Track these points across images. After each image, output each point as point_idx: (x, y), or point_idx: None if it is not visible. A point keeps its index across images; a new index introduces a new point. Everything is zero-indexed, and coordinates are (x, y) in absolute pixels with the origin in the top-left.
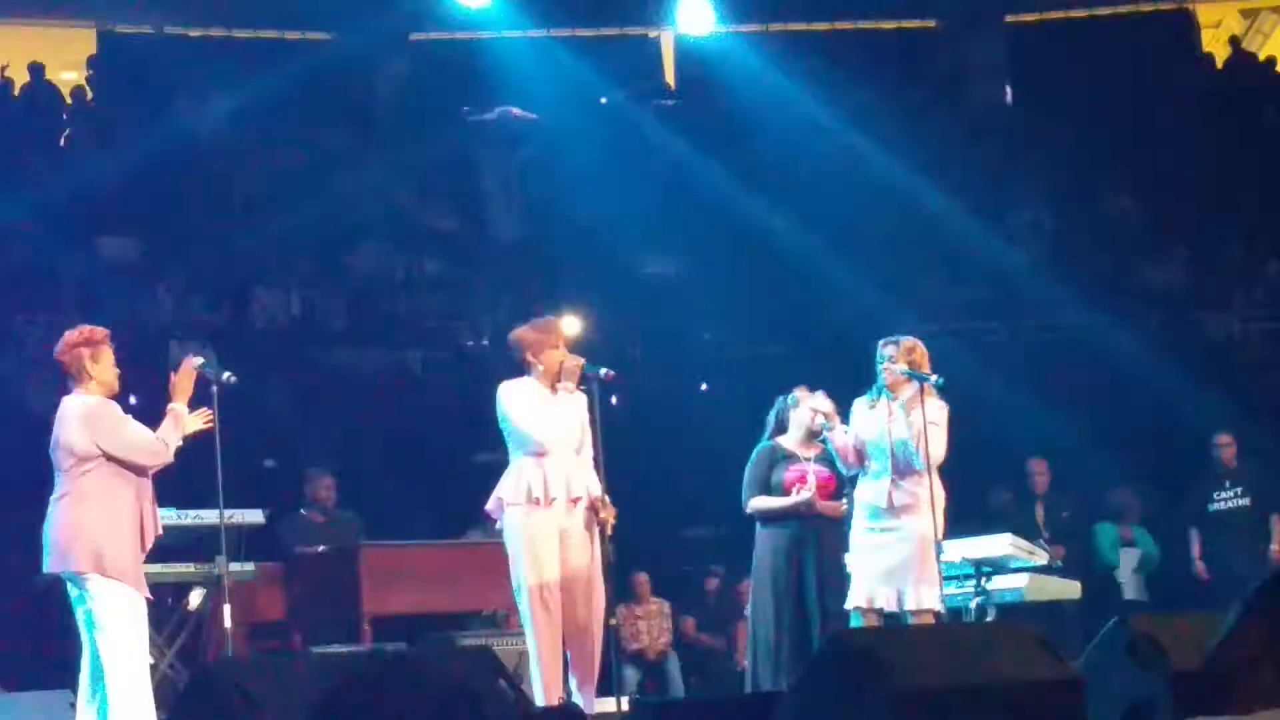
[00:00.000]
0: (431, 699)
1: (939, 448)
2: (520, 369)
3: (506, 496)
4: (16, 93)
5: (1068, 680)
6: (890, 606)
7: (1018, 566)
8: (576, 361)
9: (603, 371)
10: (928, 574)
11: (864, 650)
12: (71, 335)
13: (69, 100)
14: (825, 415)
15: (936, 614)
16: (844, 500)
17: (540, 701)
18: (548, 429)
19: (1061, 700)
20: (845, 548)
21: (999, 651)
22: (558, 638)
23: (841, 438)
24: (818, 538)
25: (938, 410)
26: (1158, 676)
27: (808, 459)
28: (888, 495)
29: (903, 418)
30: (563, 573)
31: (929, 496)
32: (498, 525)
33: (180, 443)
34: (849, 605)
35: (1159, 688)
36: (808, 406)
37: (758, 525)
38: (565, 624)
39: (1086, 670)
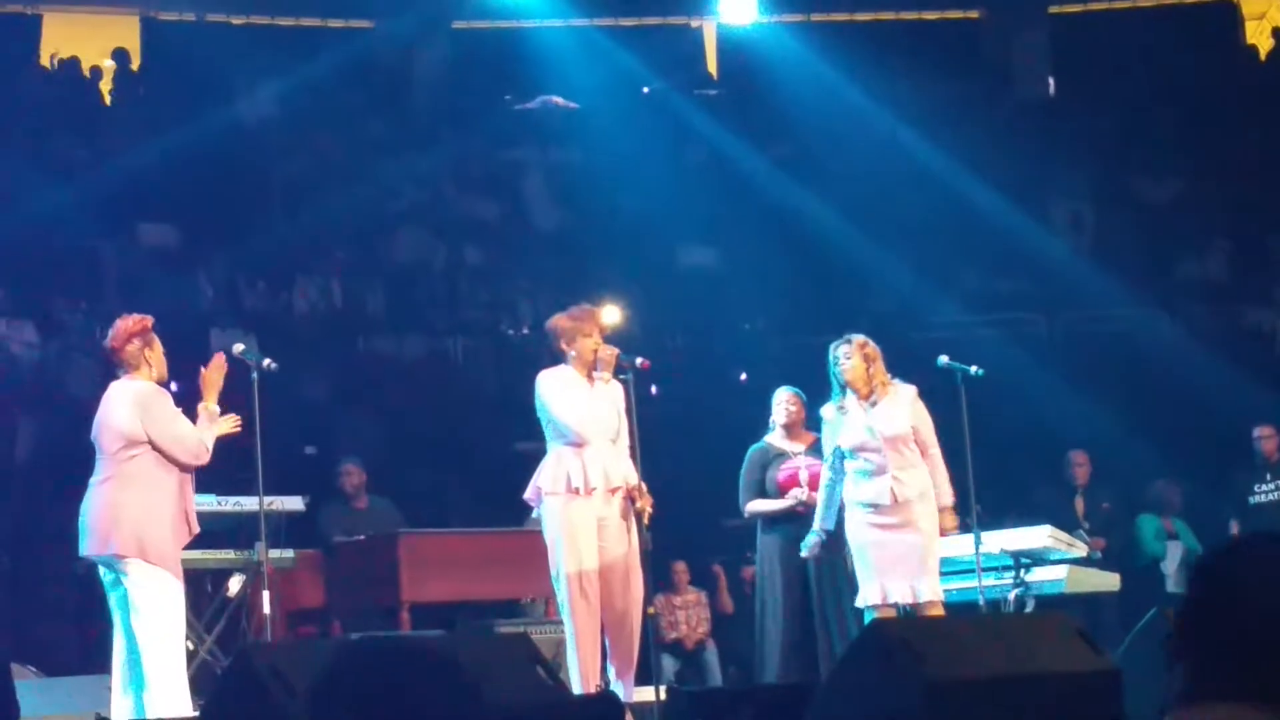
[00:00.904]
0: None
1: (932, 431)
2: (557, 358)
3: (545, 485)
4: (62, 80)
5: (1106, 672)
6: (905, 600)
7: (1057, 558)
8: (612, 351)
9: (638, 361)
10: (933, 566)
11: (901, 640)
12: (127, 324)
13: (111, 87)
14: (802, 500)
15: (970, 605)
16: None
17: (578, 689)
18: (586, 419)
19: (1100, 691)
20: (843, 539)
21: (1037, 642)
22: (596, 626)
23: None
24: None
25: (913, 396)
26: None
27: (798, 453)
28: (890, 491)
29: (884, 410)
30: (601, 561)
31: (929, 487)
32: (534, 514)
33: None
34: (861, 603)
35: None
36: (779, 404)
37: (758, 527)
38: (604, 612)
39: (1125, 662)
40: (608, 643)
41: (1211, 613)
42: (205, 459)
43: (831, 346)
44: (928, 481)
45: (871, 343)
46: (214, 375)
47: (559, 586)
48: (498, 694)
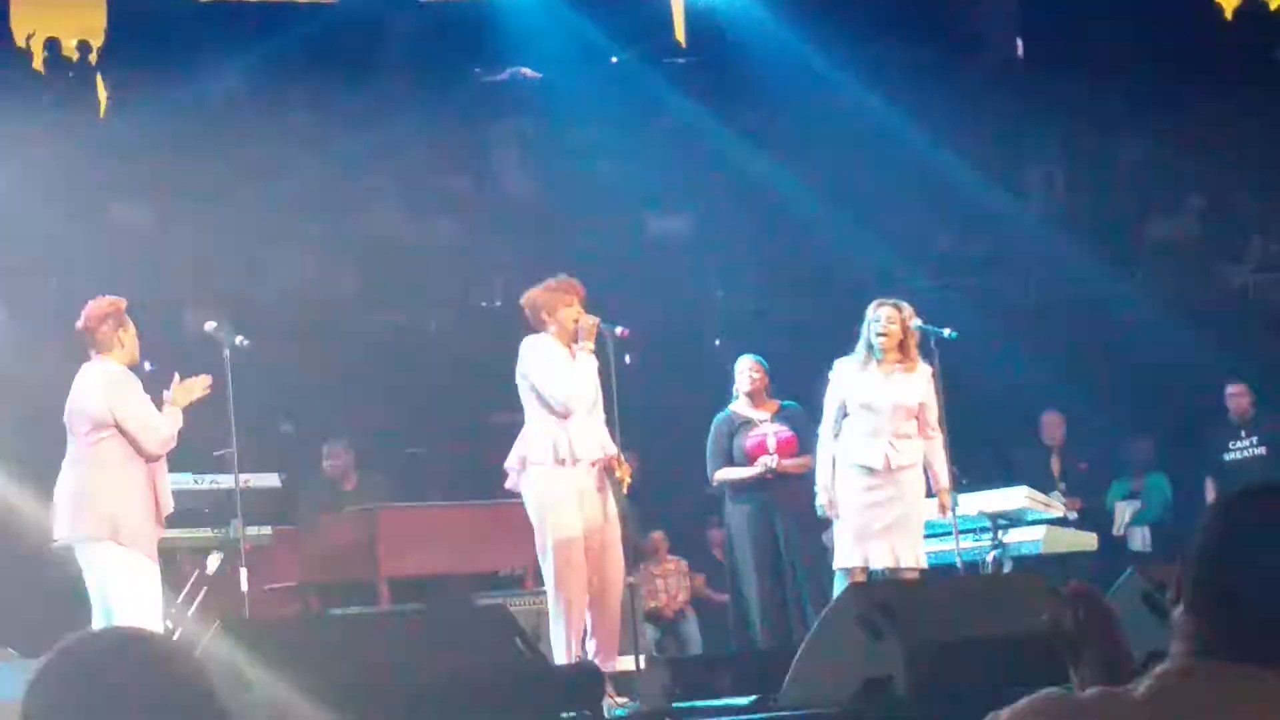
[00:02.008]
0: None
1: (938, 414)
2: (529, 331)
3: (532, 456)
4: (37, 63)
5: None
6: (883, 564)
7: (1034, 519)
8: (593, 320)
9: (618, 329)
10: (918, 534)
11: (880, 603)
12: (100, 305)
13: (79, 65)
14: (770, 468)
15: (948, 567)
16: (809, 456)
17: (561, 660)
18: (572, 390)
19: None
20: (813, 502)
21: (1013, 602)
22: (584, 596)
23: (818, 454)
24: (785, 499)
25: (930, 375)
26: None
27: (764, 420)
28: (884, 456)
29: (900, 379)
30: (594, 531)
31: (920, 456)
32: (508, 484)
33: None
34: (841, 565)
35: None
36: (742, 373)
37: (726, 495)
38: (593, 604)
39: None
40: (590, 619)
41: (1230, 565)
42: (170, 447)
43: (873, 304)
44: (920, 455)
45: (916, 316)
46: (194, 392)
47: (546, 557)
48: (477, 665)
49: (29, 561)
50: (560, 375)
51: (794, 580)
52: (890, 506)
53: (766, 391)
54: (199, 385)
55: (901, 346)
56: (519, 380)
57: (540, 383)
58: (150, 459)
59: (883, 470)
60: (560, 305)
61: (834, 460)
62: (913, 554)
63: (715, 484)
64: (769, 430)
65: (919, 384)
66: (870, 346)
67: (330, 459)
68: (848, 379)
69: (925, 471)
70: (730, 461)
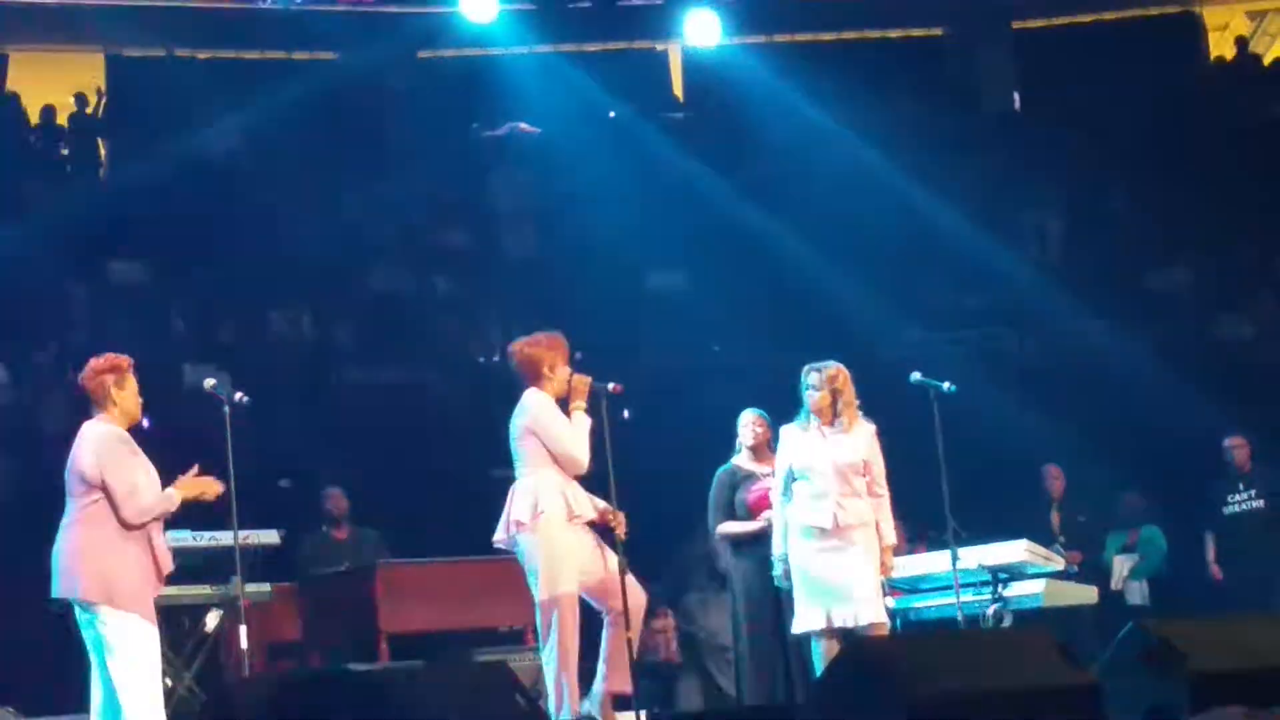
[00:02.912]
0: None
1: (883, 473)
2: (523, 385)
3: (545, 509)
4: (33, 120)
5: (1086, 686)
6: (848, 624)
7: (1034, 572)
8: (585, 380)
9: (610, 386)
10: (873, 592)
11: (881, 658)
12: (97, 362)
13: (79, 125)
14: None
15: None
16: None
17: (567, 714)
18: (586, 447)
19: (1081, 706)
20: None
21: (1017, 658)
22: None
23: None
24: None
25: (873, 434)
26: (1176, 680)
27: (766, 474)
28: (832, 516)
29: (838, 439)
30: (595, 580)
31: (871, 515)
32: (507, 534)
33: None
34: (802, 629)
35: (1177, 691)
36: (745, 426)
37: (729, 549)
38: (613, 627)
39: (1104, 676)
40: (613, 640)
41: None
42: (145, 520)
43: (805, 369)
44: (869, 513)
45: (844, 373)
46: (203, 491)
47: (552, 611)
48: None
49: (29, 620)
50: (574, 432)
51: (794, 636)
52: (842, 567)
53: (769, 445)
54: (210, 488)
55: (833, 407)
56: (523, 434)
57: (558, 438)
58: (126, 526)
59: (831, 530)
60: (560, 361)
61: (785, 526)
62: (872, 611)
63: (717, 538)
64: (771, 484)
65: (859, 443)
66: (805, 409)
67: (328, 501)
68: (792, 444)
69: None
70: (732, 515)
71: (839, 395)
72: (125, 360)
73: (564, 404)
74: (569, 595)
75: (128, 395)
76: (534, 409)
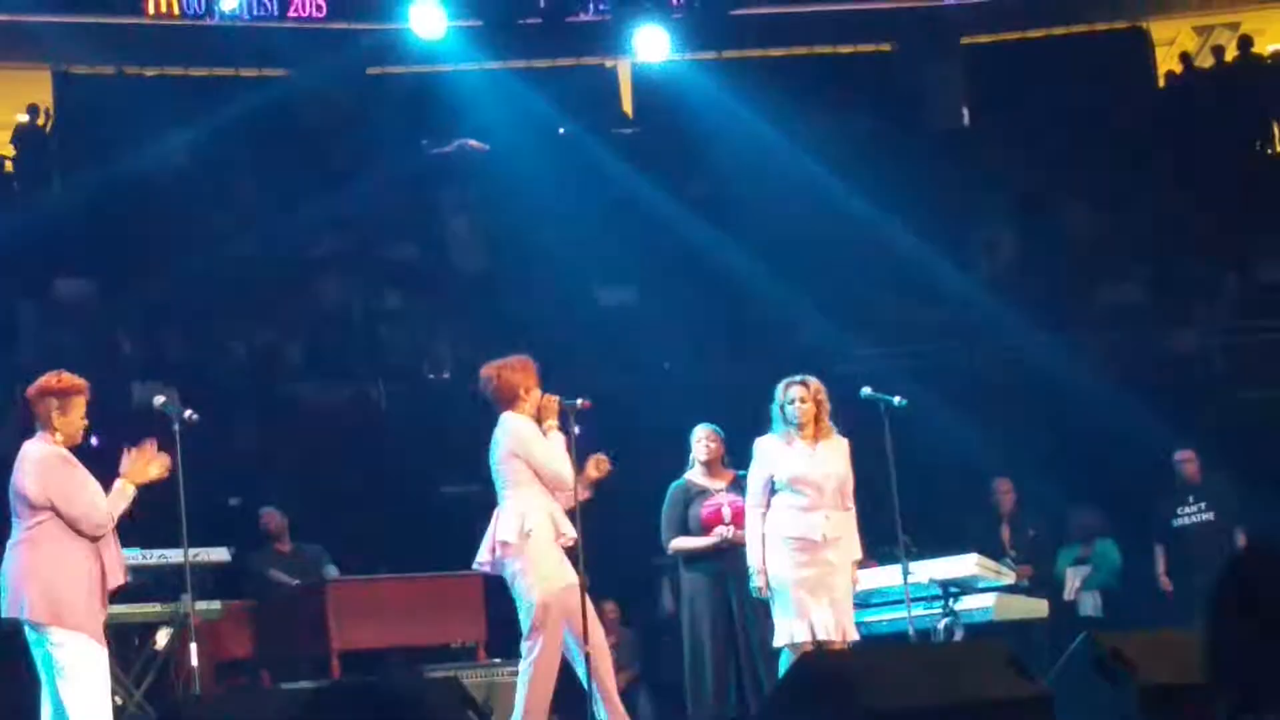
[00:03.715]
0: None
1: (852, 487)
2: (499, 406)
3: (535, 530)
4: None
5: (1038, 698)
6: (832, 637)
7: (985, 586)
8: (554, 399)
9: (579, 402)
10: (851, 604)
11: (834, 672)
12: (48, 380)
13: (25, 141)
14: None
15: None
16: None
17: None
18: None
19: (1033, 717)
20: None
21: (970, 671)
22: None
23: (748, 533)
24: (740, 569)
25: (848, 448)
26: (1126, 691)
27: (719, 490)
28: (821, 531)
29: (825, 453)
30: (573, 602)
31: (850, 534)
32: (492, 557)
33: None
34: (786, 642)
35: (1128, 703)
36: (699, 442)
37: (680, 564)
38: (593, 649)
39: (1056, 686)
40: (598, 685)
41: (1256, 624)
42: (106, 531)
43: (783, 383)
44: (851, 527)
45: (822, 388)
46: (149, 472)
47: (539, 630)
48: None
49: None
50: (557, 452)
51: (748, 650)
52: (827, 581)
53: (722, 461)
54: (156, 465)
55: (816, 420)
56: (506, 457)
57: (544, 460)
58: (91, 540)
59: (820, 543)
60: (533, 384)
61: (763, 538)
62: (850, 626)
63: (670, 552)
64: (724, 500)
65: (841, 457)
66: (789, 424)
67: (264, 520)
68: (774, 455)
69: None
70: (685, 530)
71: (821, 408)
72: (78, 383)
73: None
74: (556, 618)
75: (70, 420)
76: (516, 432)
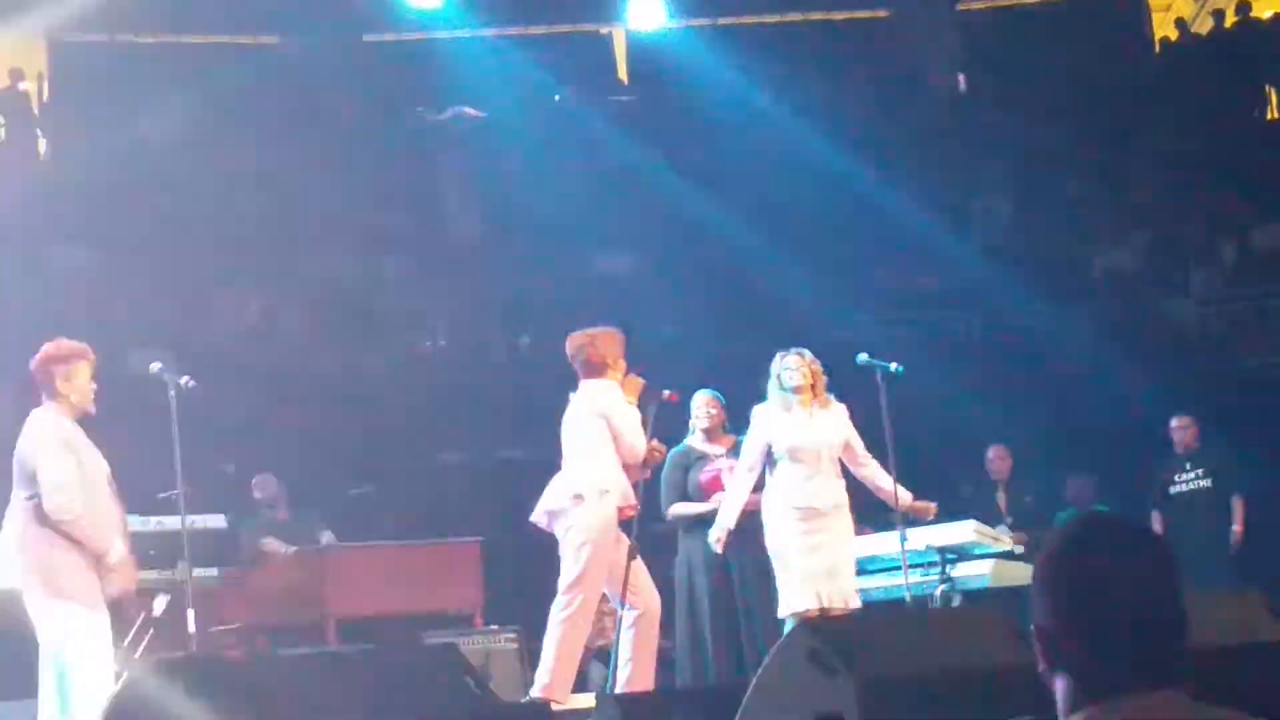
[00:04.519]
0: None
1: (862, 443)
2: (590, 374)
3: (612, 490)
4: None
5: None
6: (834, 604)
7: (982, 553)
8: (640, 380)
9: (665, 392)
10: (853, 571)
11: (832, 638)
12: (48, 349)
13: (17, 107)
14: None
15: (897, 602)
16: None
17: (565, 693)
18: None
19: (1032, 684)
20: (762, 542)
21: (968, 637)
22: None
23: (729, 491)
24: (740, 535)
25: (845, 413)
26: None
27: (719, 455)
28: (824, 498)
29: (823, 420)
30: (641, 570)
31: (845, 499)
32: (560, 511)
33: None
34: (790, 611)
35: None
36: (699, 407)
37: (680, 530)
38: (645, 615)
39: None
40: (633, 643)
41: (1084, 611)
42: (64, 520)
43: (779, 355)
44: (845, 493)
45: (818, 362)
46: (127, 583)
47: (577, 587)
48: (427, 705)
49: None
50: (639, 428)
51: (747, 616)
52: (832, 547)
53: (722, 427)
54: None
55: (813, 389)
56: (586, 417)
57: (625, 428)
58: (50, 517)
59: (823, 511)
60: (620, 356)
61: (771, 506)
62: (853, 594)
63: (669, 518)
64: (724, 465)
65: (840, 422)
66: (785, 389)
67: (257, 489)
68: (772, 424)
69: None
70: (685, 496)
71: (817, 379)
72: (79, 348)
73: None
74: (600, 575)
75: (76, 385)
76: (608, 397)
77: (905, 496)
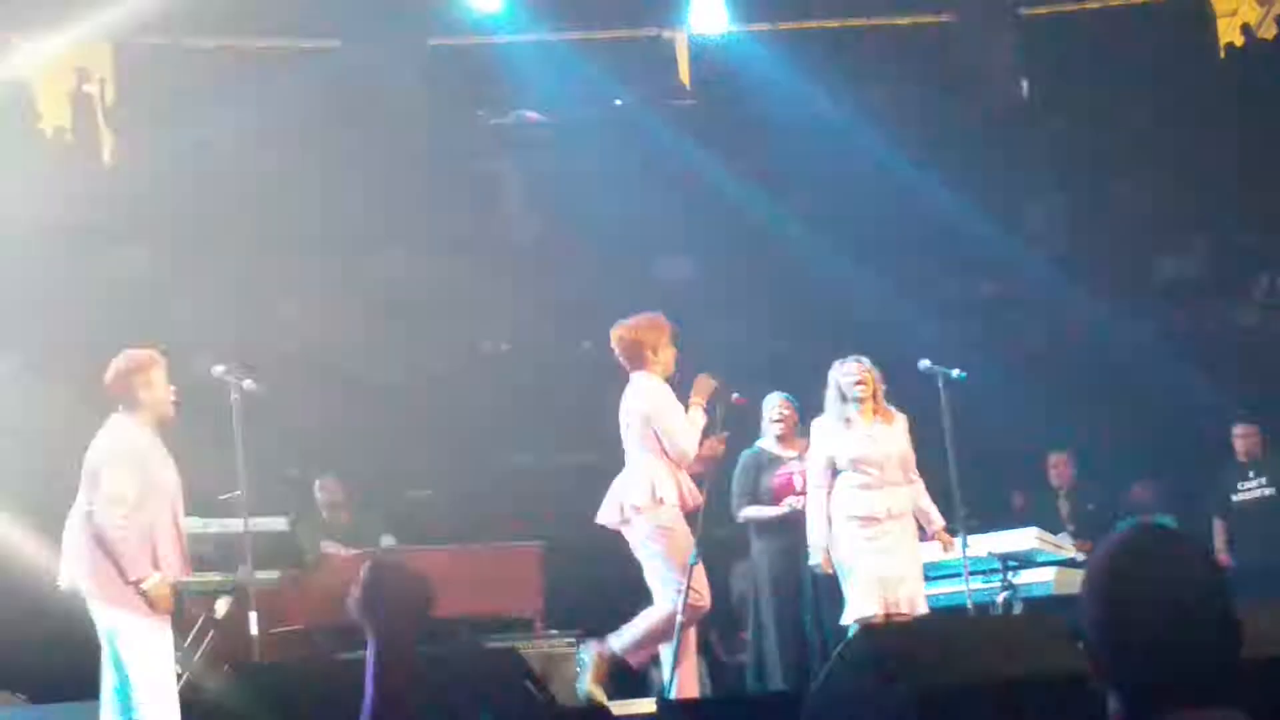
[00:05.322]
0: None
1: (914, 460)
2: (633, 367)
3: (665, 495)
4: (40, 108)
5: None
6: (900, 610)
7: (1044, 560)
8: (711, 382)
9: (734, 396)
10: (920, 576)
11: (892, 645)
12: (120, 363)
13: (83, 110)
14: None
15: (958, 609)
16: None
17: (687, 694)
18: (695, 442)
19: (1092, 694)
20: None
21: (1029, 645)
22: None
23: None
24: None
25: (906, 423)
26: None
27: (792, 458)
28: (886, 507)
29: (884, 431)
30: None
31: (910, 504)
32: (621, 517)
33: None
34: (858, 616)
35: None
36: (772, 409)
37: (751, 533)
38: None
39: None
40: (688, 648)
41: (1130, 628)
42: (106, 534)
43: (837, 363)
44: (918, 501)
45: (875, 368)
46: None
47: (678, 595)
48: (489, 709)
49: (37, 606)
50: (688, 426)
51: (816, 621)
52: (896, 554)
53: (795, 430)
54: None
55: (875, 398)
56: (637, 418)
57: (671, 429)
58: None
59: (885, 520)
60: (663, 342)
61: (830, 518)
62: (920, 599)
63: (740, 521)
64: (796, 469)
65: (901, 433)
66: (846, 402)
67: (321, 491)
68: (832, 439)
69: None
70: (756, 499)
71: (877, 386)
72: (149, 356)
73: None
74: (681, 582)
75: (155, 393)
76: (651, 395)
77: (938, 522)
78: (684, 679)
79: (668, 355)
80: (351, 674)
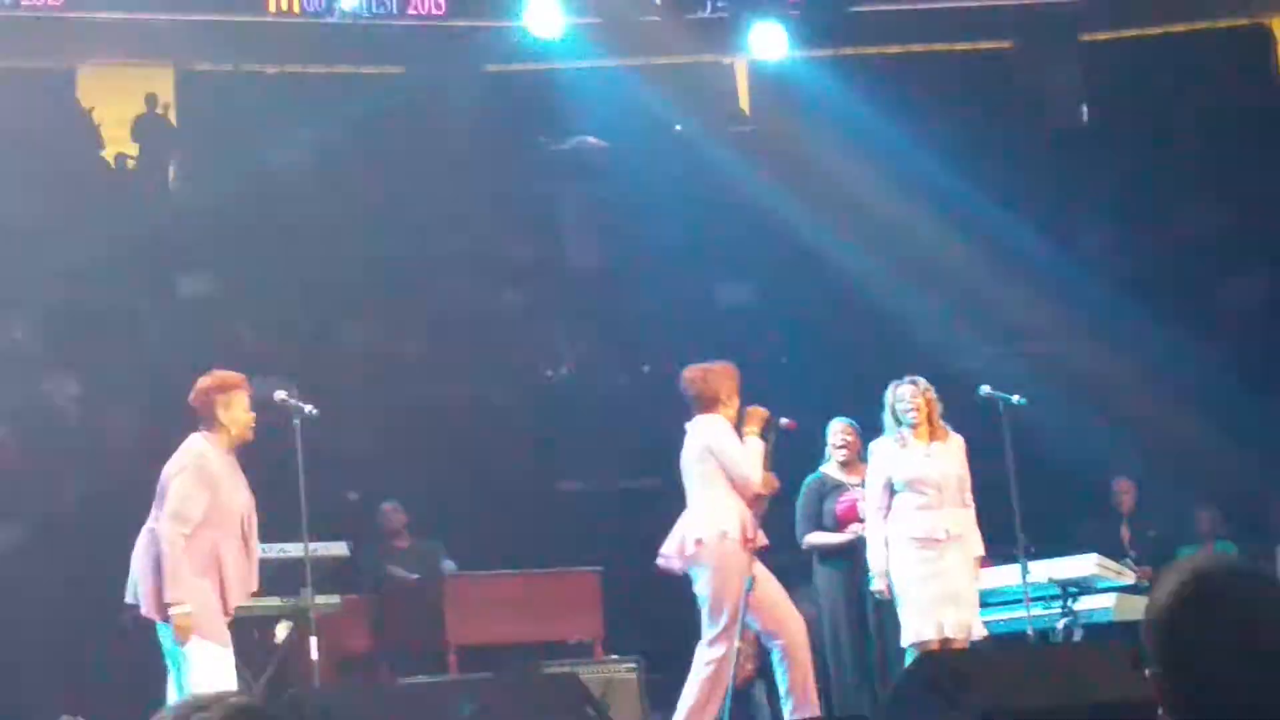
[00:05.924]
0: None
1: (969, 483)
2: (699, 410)
3: (728, 531)
4: (103, 134)
5: None
6: (957, 634)
7: (1104, 586)
8: (762, 412)
9: (784, 421)
10: (976, 600)
11: (954, 670)
12: (204, 380)
13: (146, 132)
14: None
15: (1019, 635)
16: None
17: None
18: (759, 475)
19: None
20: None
21: (1089, 672)
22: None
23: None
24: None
25: (963, 445)
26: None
27: (855, 485)
28: (944, 529)
29: (941, 452)
30: (774, 607)
31: (969, 526)
32: (683, 554)
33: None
34: (915, 640)
35: None
36: (835, 435)
37: (815, 559)
38: (793, 637)
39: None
40: (790, 672)
41: (1192, 666)
42: (167, 549)
43: (892, 385)
44: (971, 524)
45: (932, 388)
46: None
47: (727, 631)
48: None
49: (100, 631)
50: (750, 453)
51: (880, 647)
52: (952, 577)
53: (859, 456)
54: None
55: (930, 419)
56: (701, 456)
57: (734, 460)
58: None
59: (944, 541)
60: (734, 391)
61: (888, 540)
62: (978, 625)
63: (804, 547)
64: (859, 495)
65: (958, 455)
66: (901, 424)
67: (384, 516)
68: (890, 458)
69: None
70: (819, 525)
71: (932, 407)
72: (237, 377)
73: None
74: (737, 618)
75: (235, 414)
76: (714, 432)
77: (980, 550)
78: (799, 705)
79: (735, 403)
80: (414, 699)
